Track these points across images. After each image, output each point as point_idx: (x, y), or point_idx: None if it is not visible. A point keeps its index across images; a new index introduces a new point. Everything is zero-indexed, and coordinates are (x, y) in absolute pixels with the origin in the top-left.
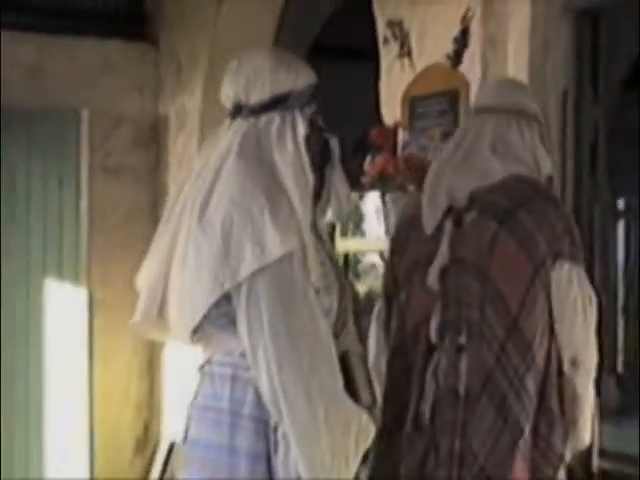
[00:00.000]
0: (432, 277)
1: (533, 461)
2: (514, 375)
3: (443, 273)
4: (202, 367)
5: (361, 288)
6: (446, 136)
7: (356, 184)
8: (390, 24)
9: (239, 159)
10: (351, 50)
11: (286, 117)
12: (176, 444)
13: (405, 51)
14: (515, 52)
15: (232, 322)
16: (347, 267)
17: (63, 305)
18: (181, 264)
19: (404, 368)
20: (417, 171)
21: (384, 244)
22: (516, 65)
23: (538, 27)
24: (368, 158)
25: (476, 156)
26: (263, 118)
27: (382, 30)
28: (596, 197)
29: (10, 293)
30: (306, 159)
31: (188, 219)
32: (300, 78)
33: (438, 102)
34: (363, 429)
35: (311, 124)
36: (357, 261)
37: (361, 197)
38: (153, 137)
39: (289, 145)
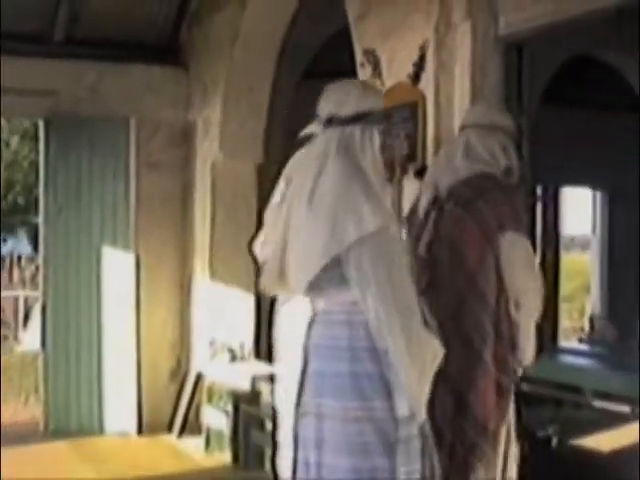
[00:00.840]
0: (421, 248)
1: (496, 377)
2: (473, 316)
3: (429, 245)
4: (315, 317)
5: None
6: (408, 137)
7: None
8: (366, 52)
9: (337, 159)
10: (337, 73)
11: (365, 130)
12: (202, 374)
13: (377, 73)
14: (460, 75)
15: (342, 280)
16: None
17: (117, 267)
18: (296, 237)
19: None
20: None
21: None
22: (461, 85)
23: (477, 56)
24: None
25: (453, 160)
26: (349, 128)
27: (359, 57)
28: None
29: (77, 258)
30: (381, 162)
31: (298, 203)
32: (378, 102)
33: (402, 111)
34: (434, 351)
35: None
36: None
37: None
38: (184, 140)
39: (368, 151)
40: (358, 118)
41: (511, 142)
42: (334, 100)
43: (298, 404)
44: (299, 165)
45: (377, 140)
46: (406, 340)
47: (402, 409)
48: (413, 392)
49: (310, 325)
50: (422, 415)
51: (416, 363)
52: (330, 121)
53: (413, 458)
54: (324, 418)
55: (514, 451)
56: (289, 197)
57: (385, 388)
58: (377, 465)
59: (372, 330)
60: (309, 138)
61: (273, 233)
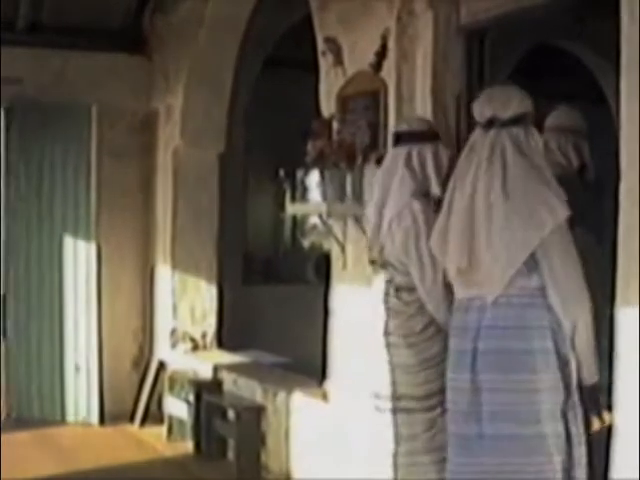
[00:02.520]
0: None
1: None
2: None
3: None
4: (485, 300)
5: (306, 242)
6: (369, 125)
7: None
8: (327, 40)
9: (514, 158)
10: (299, 61)
11: (527, 130)
12: (164, 363)
13: (339, 61)
14: (422, 63)
15: (528, 267)
16: (296, 226)
17: (78, 256)
18: (485, 230)
19: None
20: (347, 152)
21: (323, 208)
22: (423, 73)
23: (439, 44)
24: (310, 142)
25: None
26: (513, 129)
27: (321, 45)
28: None
29: (39, 247)
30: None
31: (483, 198)
32: (531, 104)
33: (363, 100)
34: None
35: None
36: (303, 222)
37: (306, 173)
38: (146, 127)
39: (535, 148)
40: (519, 119)
41: (584, 141)
42: (498, 103)
43: (466, 381)
44: (467, 167)
45: (539, 138)
46: (586, 318)
47: (574, 379)
48: (589, 363)
49: (480, 308)
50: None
51: (591, 339)
52: (491, 123)
53: (580, 421)
54: (507, 392)
55: None
56: (467, 196)
57: (559, 362)
58: (547, 432)
59: (556, 310)
60: (402, 135)
61: (451, 231)
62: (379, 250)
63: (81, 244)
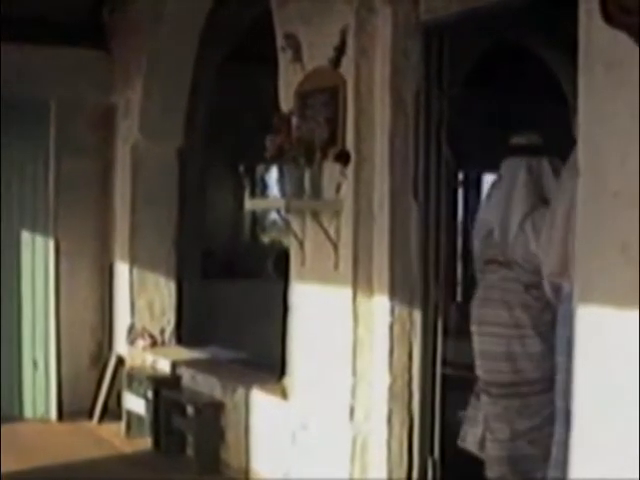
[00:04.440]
0: None
1: None
2: None
3: None
4: (563, 294)
5: (266, 238)
6: (328, 121)
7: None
8: (287, 36)
9: None
10: (260, 57)
11: None
12: (122, 359)
13: (298, 57)
14: (381, 59)
15: None
16: (255, 222)
17: (36, 252)
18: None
19: None
20: (306, 148)
21: (281, 204)
22: (381, 70)
23: (398, 40)
24: (268, 138)
25: None
26: None
27: (280, 41)
28: (442, 169)
29: None
30: None
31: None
32: None
33: (322, 95)
34: None
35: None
36: (263, 218)
37: (267, 169)
38: (105, 122)
39: None
40: None
41: None
42: None
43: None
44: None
45: None
46: None
47: None
48: None
49: (563, 300)
50: None
51: None
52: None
53: None
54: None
55: None
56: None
57: None
58: None
59: None
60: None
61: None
62: (503, 251)
63: (39, 239)
